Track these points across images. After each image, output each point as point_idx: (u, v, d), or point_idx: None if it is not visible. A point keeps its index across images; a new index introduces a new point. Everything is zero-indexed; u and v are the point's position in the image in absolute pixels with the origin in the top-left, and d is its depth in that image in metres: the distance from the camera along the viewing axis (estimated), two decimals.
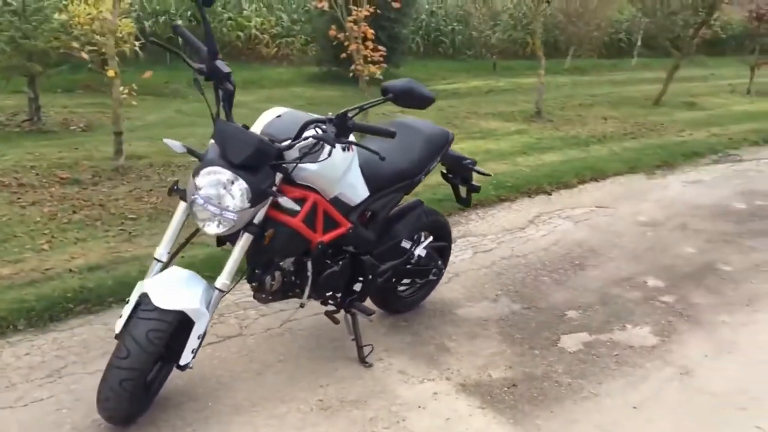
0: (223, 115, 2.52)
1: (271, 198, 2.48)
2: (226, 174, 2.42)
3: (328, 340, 3.21)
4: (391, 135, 2.53)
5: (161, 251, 2.56)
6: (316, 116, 2.58)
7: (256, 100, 10.45)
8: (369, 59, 6.98)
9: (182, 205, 2.58)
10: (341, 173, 2.71)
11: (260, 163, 2.44)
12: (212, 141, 2.58)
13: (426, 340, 3.27)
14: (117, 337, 2.47)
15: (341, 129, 2.49)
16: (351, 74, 7.33)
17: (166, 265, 2.59)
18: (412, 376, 2.97)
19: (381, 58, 7.05)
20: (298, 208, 2.53)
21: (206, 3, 2.39)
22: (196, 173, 2.46)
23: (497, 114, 9.72)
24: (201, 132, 6.86)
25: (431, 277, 3.47)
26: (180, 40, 2.76)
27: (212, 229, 2.47)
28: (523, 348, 3.24)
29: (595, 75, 15.86)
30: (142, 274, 3.32)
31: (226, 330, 3.22)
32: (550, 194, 5.86)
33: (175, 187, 2.59)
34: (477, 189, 3.51)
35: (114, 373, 2.32)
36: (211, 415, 2.64)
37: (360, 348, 3.04)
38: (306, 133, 2.50)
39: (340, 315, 3.05)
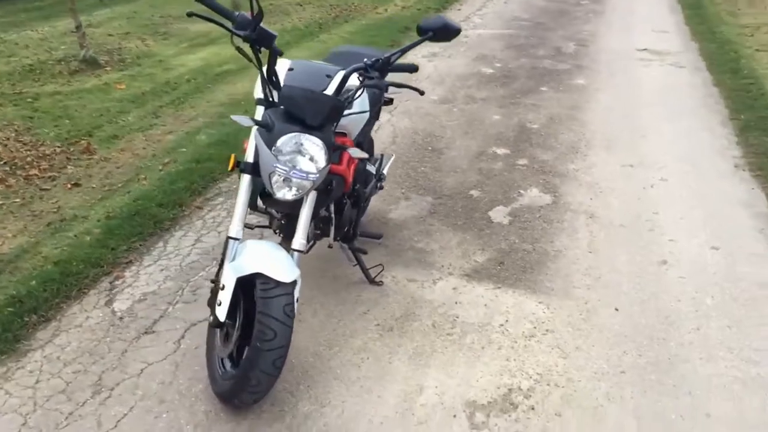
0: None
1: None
2: (304, 137, 2.49)
3: (320, 274, 3.42)
4: (414, 69, 2.83)
5: (236, 229, 2.54)
6: (332, 67, 2.75)
7: None
8: None
9: (246, 179, 2.57)
10: (368, 115, 2.94)
11: (333, 121, 2.57)
12: (259, 107, 2.63)
13: (399, 249, 3.68)
14: (216, 325, 2.48)
15: (383, 73, 2.71)
16: None
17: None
18: (423, 281, 3.41)
19: None
20: (366, 155, 2.73)
21: None
22: (271, 143, 2.47)
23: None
24: None
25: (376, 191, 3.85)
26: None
27: (291, 194, 2.55)
28: (473, 231, 3.88)
29: None
30: (62, 266, 3.19)
31: None
32: None
33: (239, 162, 2.57)
34: (390, 101, 3.89)
35: (266, 356, 2.36)
36: (307, 369, 2.78)
37: (366, 271, 3.36)
38: (351, 82, 2.66)
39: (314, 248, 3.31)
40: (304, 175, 2.46)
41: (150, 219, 3.84)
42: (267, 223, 3.23)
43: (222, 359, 2.59)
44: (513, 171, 4.56)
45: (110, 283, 3.32)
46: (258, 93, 3.13)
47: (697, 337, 2.96)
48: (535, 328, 3.03)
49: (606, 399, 2.63)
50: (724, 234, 3.76)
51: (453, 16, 9.59)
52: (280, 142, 2.45)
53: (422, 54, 7.56)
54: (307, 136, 2.47)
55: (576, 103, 5.84)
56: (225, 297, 2.43)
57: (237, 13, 2.46)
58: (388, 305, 3.16)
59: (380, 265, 3.34)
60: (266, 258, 2.43)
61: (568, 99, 5.96)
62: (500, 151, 4.88)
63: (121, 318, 3.08)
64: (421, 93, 2.77)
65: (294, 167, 2.46)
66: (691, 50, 7.75)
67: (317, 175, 2.49)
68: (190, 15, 2.42)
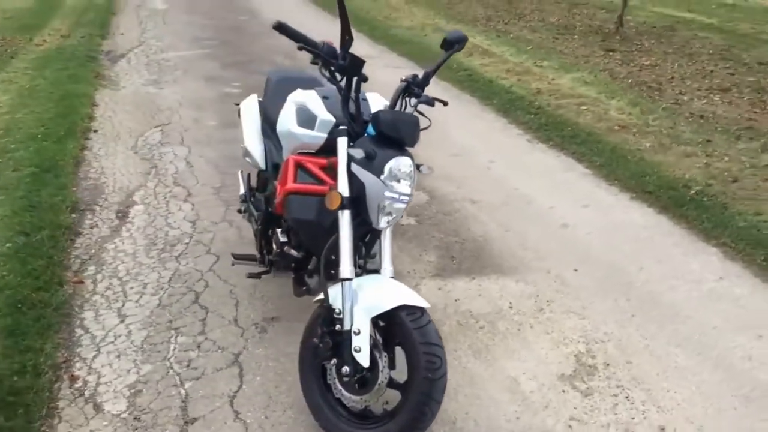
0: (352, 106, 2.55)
1: None
2: (403, 160, 2.50)
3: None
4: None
5: (350, 269, 2.38)
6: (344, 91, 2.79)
7: None
8: None
9: (347, 215, 2.46)
10: None
11: (418, 140, 2.70)
12: (341, 138, 2.54)
13: None
14: (355, 374, 2.41)
15: (422, 88, 2.90)
16: None
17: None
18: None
19: None
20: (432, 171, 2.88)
21: None
22: (379, 172, 2.46)
23: None
24: None
25: None
26: None
27: (388, 221, 2.55)
28: (397, 236, 4.07)
29: None
30: None
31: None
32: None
33: (343, 199, 2.51)
34: None
35: (438, 385, 2.32)
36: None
37: None
38: (402, 101, 2.80)
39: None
40: (406, 198, 2.48)
41: (44, 307, 3.22)
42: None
43: (349, 410, 2.48)
44: None
45: (71, 389, 2.78)
46: (248, 143, 2.98)
47: (646, 274, 3.67)
48: (536, 302, 3.41)
49: (644, 339, 3.15)
50: (578, 194, 4.60)
51: (121, 42, 9.19)
52: (387, 168, 2.42)
53: (141, 83, 7.18)
54: (404, 158, 2.48)
55: None
56: (363, 341, 2.32)
57: (322, 43, 2.40)
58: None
59: None
60: (394, 290, 2.39)
61: None
62: None
63: (136, 419, 2.62)
64: (445, 104, 2.92)
65: (398, 192, 2.45)
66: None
67: (412, 196, 2.53)
68: (300, 49, 2.37)
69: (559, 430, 2.60)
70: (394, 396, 2.42)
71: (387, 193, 2.42)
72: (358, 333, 2.31)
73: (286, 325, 3.17)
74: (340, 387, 2.43)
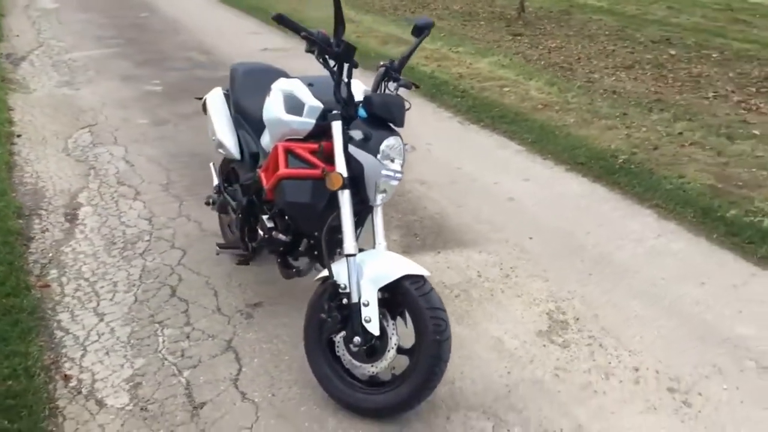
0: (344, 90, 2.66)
1: None
2: (394, 139, 2.68)
3: (291, 284, 3.41)
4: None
5: (353, 245, 2.54)
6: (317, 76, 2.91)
7: None
8: None
9: (347, 194, 2.60)
10: None
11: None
12: (335, 122, 2.64)
13: None
14: (367, 343, 2.55)
15: (400, 73, 3.07)
16: None
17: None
18: None
19: None
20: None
21: None
22: (374, 150, 2.60)
23: None
24: None
25: None
26: None
27: (382, 198, 2.73)
28: None
29: None
30: None
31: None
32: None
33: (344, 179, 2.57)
34: None
35: (445, 345, 2.49)
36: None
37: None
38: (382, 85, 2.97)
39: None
40: (400, 175, 2.66)
41: (18, 312, 3.21)
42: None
43: (354, 377, 2.65)
44: None
45: (67, 388, 2.81)
46: (221, 135, 3.08)
47: (594, 237, 4.01)
48: (501, 269, 3.68)
49: (604, 294, 3.46)
50: (517, 170, 4.92)
51: (18, 44, 8.88)
52: (382, 148, 2.60)
53: (53, 84, 7.04)
54: (395, 138, 2.66)
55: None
56: (372, 312, 2.48)
57: (317, 32, 2.53)
58: None
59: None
60: (396, 261, 2.57)
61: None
62: None
63: (143, 409, 2.71)
64: (417, 86, 3.12)
65: (393, 170, 2.63)
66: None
67: (403, 174, 2.72)
68: (303, 37, 2.49)
69: (548, 379, 2.83)
70: (400, 362, 2.58)
71: (384, 172, 2.58)
72: (367, 304, 2.46)
73: (270, 309, 3.26)
74: (349, 357, 2.57)
